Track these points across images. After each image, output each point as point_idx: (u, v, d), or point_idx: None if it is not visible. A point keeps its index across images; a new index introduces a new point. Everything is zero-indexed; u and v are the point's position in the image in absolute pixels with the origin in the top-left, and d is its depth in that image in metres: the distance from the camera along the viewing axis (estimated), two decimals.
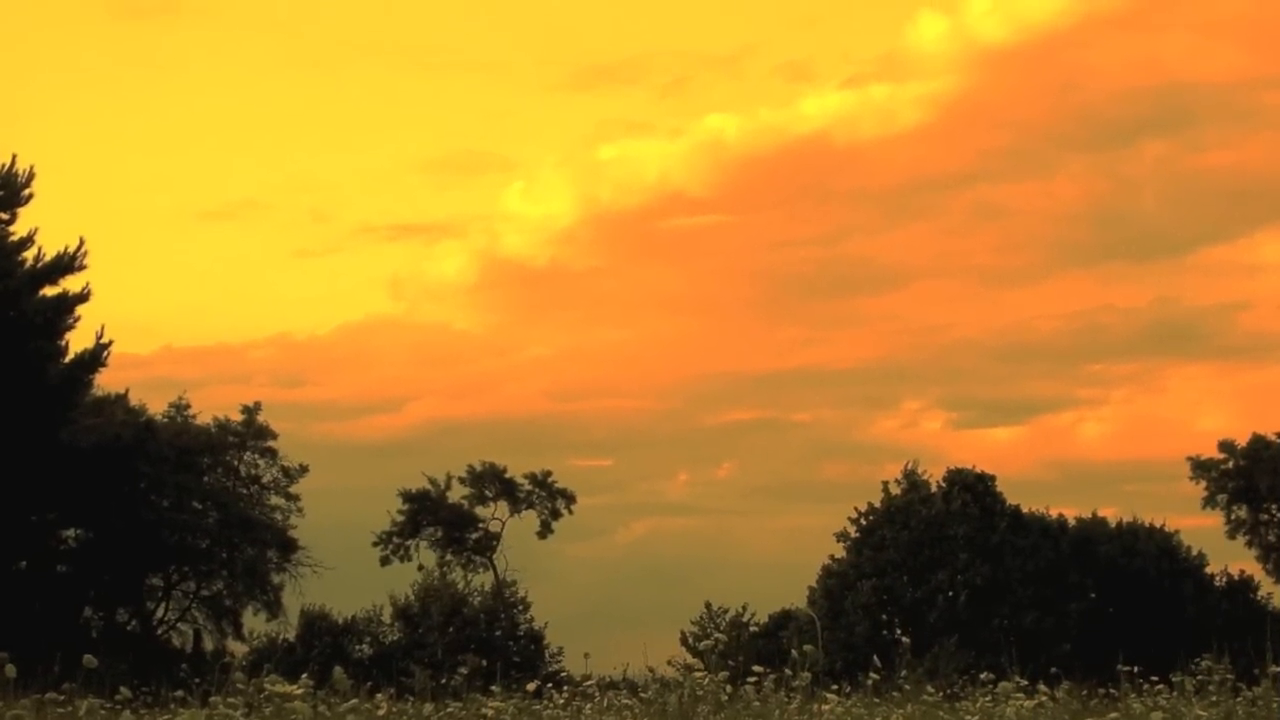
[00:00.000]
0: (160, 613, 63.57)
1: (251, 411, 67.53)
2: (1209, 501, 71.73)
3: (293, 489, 67.62)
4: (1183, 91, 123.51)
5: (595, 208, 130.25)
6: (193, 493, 63.31)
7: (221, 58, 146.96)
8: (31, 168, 53.56)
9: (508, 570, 71.07)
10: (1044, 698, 15.41)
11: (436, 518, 72.68)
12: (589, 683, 21.15)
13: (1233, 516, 71.62)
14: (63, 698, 13.60)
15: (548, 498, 73.80)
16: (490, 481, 73.45)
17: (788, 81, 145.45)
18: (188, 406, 66.48)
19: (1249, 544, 71.40)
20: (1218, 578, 70.43)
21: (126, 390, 61.75)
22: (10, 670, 11.27)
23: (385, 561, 71.90)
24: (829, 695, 14.53)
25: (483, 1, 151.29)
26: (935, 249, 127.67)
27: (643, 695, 16.99)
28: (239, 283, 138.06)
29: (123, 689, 12.77)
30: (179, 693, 14.83)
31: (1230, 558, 71.39)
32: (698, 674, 14.37)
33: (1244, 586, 70.48)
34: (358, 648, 64.46)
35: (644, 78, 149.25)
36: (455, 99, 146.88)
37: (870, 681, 15.99)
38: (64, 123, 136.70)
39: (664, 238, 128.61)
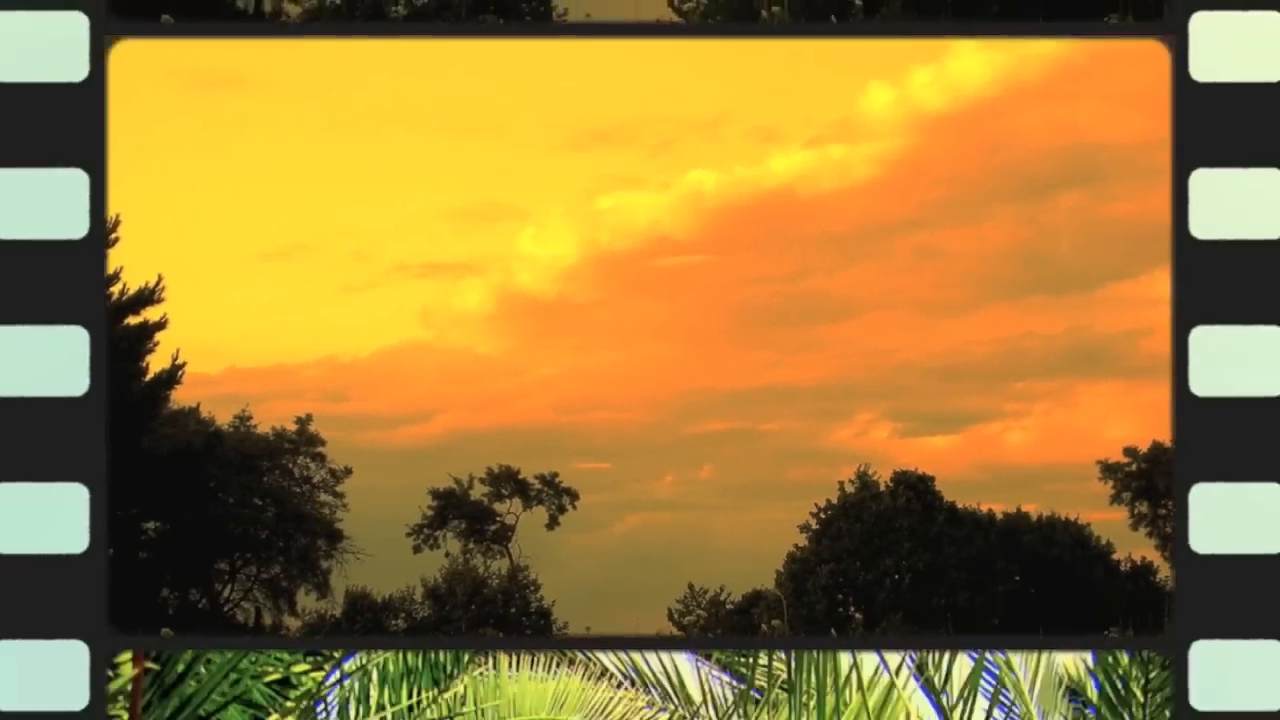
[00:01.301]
0: (226, 593, 63.50)
1: (304, 422, 67.28)
2: (1116, 499, 71.53)
3: (339, 488, 67.34)
4: (1094, 151, 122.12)
5: (595, 250, 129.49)
6: (254, 491, 63.19)
7: (279, 123, 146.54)
8: (118, 215, 53.49)
9: (521, 557, 70.97)
10: None
11: (461, 512, 72.51)
12: None
13: (1136, 511, 71.58)
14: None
15: (555, 495, 73.59)
16: (506, 482, 73.31)
17: (759, 142, 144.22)
18: (250, 418, 66.21)
19: (1149, 535, 71.37)
20: (1123, 564, 70.43)
21: (198, 404, 61.57)
22: None
23: (417, 550, 71.69)
24: None
25: (498, 76, 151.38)
26: (883, 285, 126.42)
27: None
28: (293, 313, 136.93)
29: None
30: None
31: (1134, 546, 71.23)
32: None
33: (1145, 571, 70.43)
34: (394, 623, 64.47)
35: (636, 139, 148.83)
36: (476, 158, 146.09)
37: None
38: (145, 177, 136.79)
39: (653, 275, 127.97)
